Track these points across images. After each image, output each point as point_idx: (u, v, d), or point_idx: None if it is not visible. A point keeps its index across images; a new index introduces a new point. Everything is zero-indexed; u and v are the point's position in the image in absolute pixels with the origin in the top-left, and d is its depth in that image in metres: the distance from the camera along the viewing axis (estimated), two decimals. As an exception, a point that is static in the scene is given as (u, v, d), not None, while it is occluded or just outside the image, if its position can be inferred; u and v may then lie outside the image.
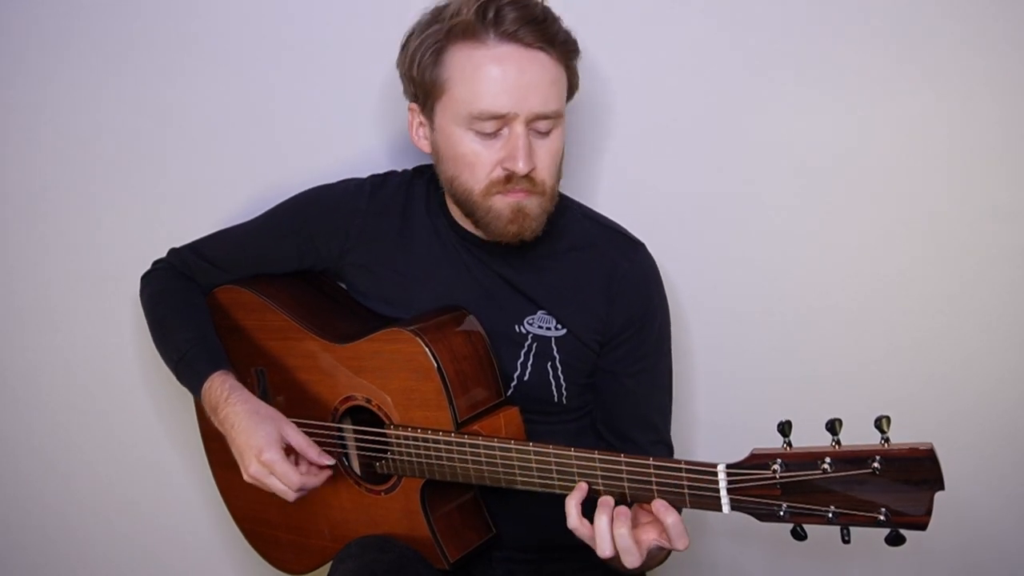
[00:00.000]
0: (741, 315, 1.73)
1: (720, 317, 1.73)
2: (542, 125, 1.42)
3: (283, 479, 1.46)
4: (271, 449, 1.46)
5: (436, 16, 1.44)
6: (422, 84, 1.46)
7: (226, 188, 1.79)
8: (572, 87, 1.49)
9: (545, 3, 1.44)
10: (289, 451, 1.49)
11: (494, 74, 1.38)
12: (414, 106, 1.51)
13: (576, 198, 1.63)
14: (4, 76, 1.80)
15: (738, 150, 1.67)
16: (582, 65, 1.64)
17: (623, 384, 1.55)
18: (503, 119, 1.40)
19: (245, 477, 1.49)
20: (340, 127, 1.77)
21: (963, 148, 1.60)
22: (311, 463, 1.51)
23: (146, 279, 1.72)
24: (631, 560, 1.26)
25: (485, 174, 1.43)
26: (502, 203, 1.44)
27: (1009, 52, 1.55)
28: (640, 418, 1.56)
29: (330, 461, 1.52)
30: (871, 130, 1.62)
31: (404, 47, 1.48)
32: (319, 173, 1.70)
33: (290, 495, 1.47)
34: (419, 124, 1.52)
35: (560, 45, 1.42)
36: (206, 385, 1.56)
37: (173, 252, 1.72)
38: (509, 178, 1.42)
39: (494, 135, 1.42)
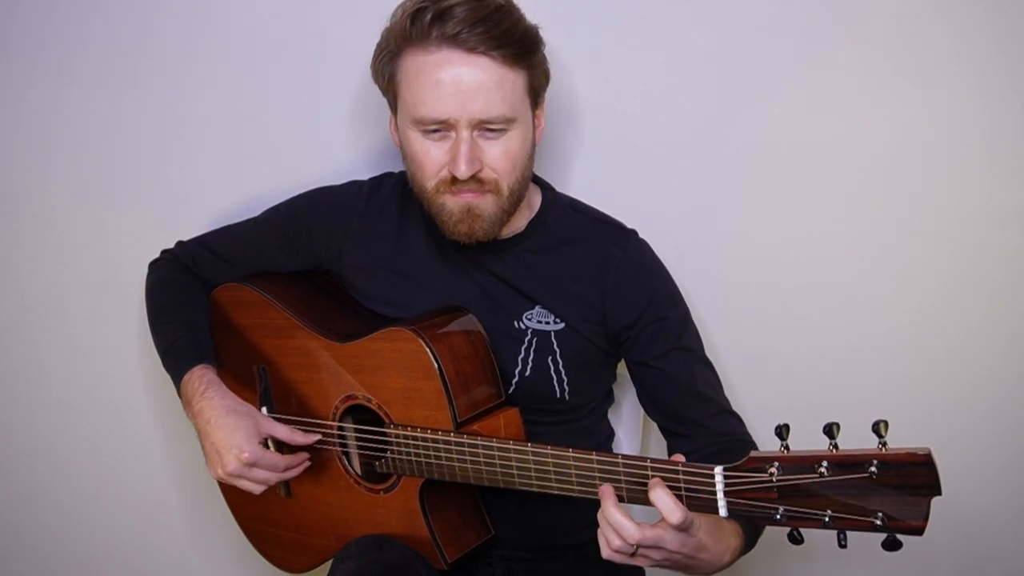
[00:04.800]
0: (739, 317, 1.73)
1: (718, 320, 1.72)
2: (491, 127, 1.40)
3: (272, 467, 1.50)
4: (251, 446, 1.48)
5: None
6: (383, 87, 1.47)
7: (231, 189, 1.80)
8: (535, 86, 1.45)
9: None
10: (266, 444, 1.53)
11: (434, 79, 1.37)
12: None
13: (577, 196, 1.63)
14: (9, 78, 1.80)
15: (738, 150, 1.67)
16: (582, 66, 1.65)
17: (660, 370, 1.53)
18: (446, 123, 1.39)
19: (219, 473, 1.50)
20: (342, 128, 1.77)
21: (962, 148, 1.59)
22: (298, 445, 1.54)
23: (152, 266, 1.75)
24: (629, 533, 1.21)
25: (434, 173, 1.43)
26: (452, 202, 1.44)
27: (1008, 52, 1.55)
28: (691, 396, 1.53)
29: (315, 437, 1.56)
30: (870, 130, 1.62)
31: (374, 52, 1.48)
32: (322, 173, 1.71)
33: (272, 479, 1.51)
34: (393, 124, 1.52)
35: (511, 45, 1.37)
36: (186, 377, 1.57)
37: (180, 244, 1.74)
38: (455, 179, 1.41)
39: (442, 136, 1.41)
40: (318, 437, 1.56)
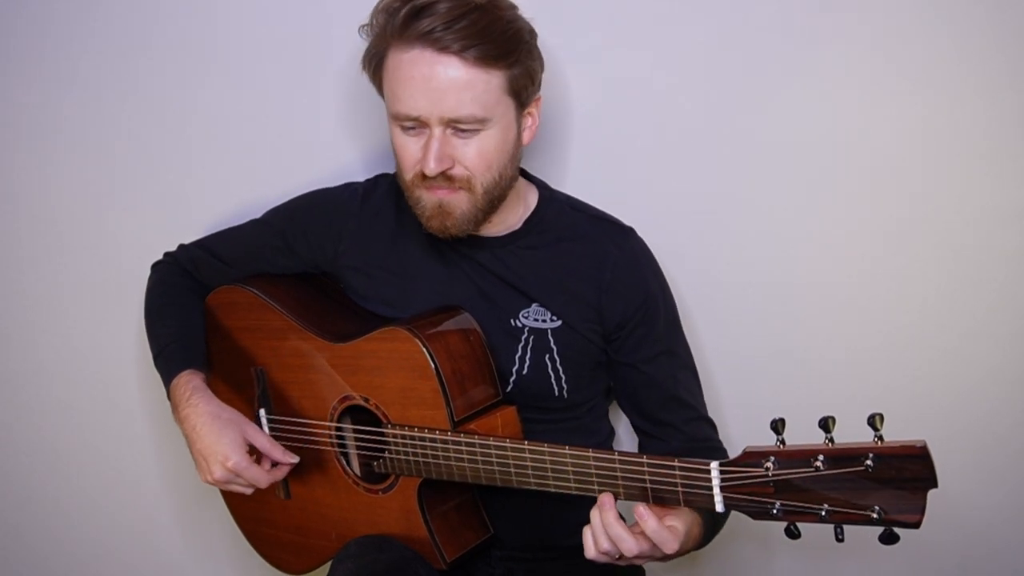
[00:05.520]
0: (738, 316, 1.72)
1: (717, 318, 1.71)
2: (463, 127, 1.40)
3: (253, 482, 1.52)
4: (236, 454, 1.50)
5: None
6: (370, 78, 1.48)
7: (232, 190, 1.81)
8: (516, 87, 1.42)
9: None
10: (252, 451, 1.54)
11: (406, 76, 1.38)
12: None
13: (574, 195, 1.62)
14: (10, 78, 1.82)
15: (738, 150, 1.67)
16: (581, 66, 1.65)
17: (644, 373, 1.53)
18: (418, 120, 1.40)
19: (206, 479, 1.52)
20: (343, 129, 1.78)
21: (962, 148, 1.59)
22: (277, 462, 1.56)
23: (154, 268, 1.76)
24: (627, 547, 1.25)
25: (410, 167, 1.44)
26: (427, 197, 1.45)
27: (1008, 52, 1.54)
28: (671, 400, 1.54)
29: (294, 459, 1.57)
30: (870, 130, 1.61)
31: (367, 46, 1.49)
32: (322, 174, 1.72)
33: (258, 485, 1.52)
34: None
35: (487, 45, 1.36)
36: (173, 382, 1.59)
37: (181, 247, 1.75)
38: (425, 175, 1.42)
39: (417, 132, 1.42)
40: (297, 459, 1.57)
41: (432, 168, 1.40)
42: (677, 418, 1.54)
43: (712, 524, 1.40)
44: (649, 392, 1.54)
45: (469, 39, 1.35)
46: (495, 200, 1.47)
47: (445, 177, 1.42)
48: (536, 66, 1.46)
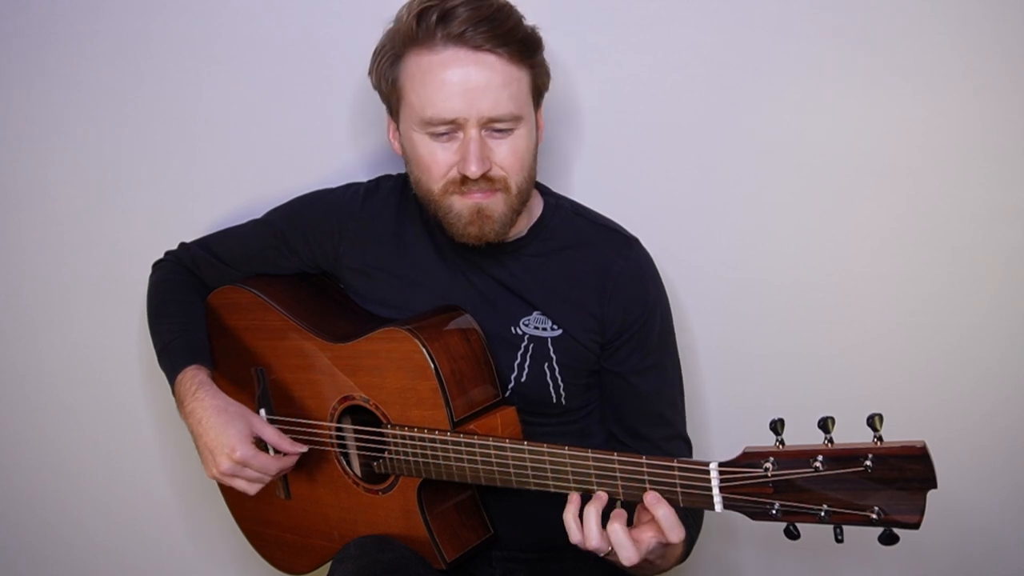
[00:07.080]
0: (738, 315, 1.73)
1: (716, 317, 1.72)
2: (499, 126, 1.40)
3: (263, 470, 1.49)
4: (243, 445, 1.48)
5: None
6: (384, 92, 1.47)
7: (233, 190, 1.81)
8: (538, 85, 1.46)
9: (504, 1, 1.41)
10: (258, 444, 1.53)
11: (441, 79, 1.37)
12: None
13: (576, 197, 1.63)
14: (12, 78, 1.82)
15: (737, 150, 1.67)
16: (582, 66, 1.65)
17: (631, 383, 1.53)
18: (454, 123, 1.39)
19: (213, 473, 1.51)
20: (345, 130, 1.78)
21: (962, 148, 1.59)
22: (285, 453, 1.54)
23: (155, 267, 1.76)
24: (627, 555, 1.25)
25: (441, 175, 1.43)
26: (461, 204, 1.44)
27: (1008, 52, 1.54)
28: (652, 415, 1.54)
29: (303, 449, 1.56)
30: (869, 129, 1.62)
31: (373, 56, 1.48)
32: (325, 173, 1.73)
33: (264, 480, 1.51)
34: (393, 129, 1.52)
35: (516, 43, 1.39)
36: (178, 378, 1.58)
37: (183, 246, 1.76)
38: (464, 180, 1.41)
39: (449, 137, 1.41)
40: (306, 449, 1.56)
41: (474, 170, 1.39)
42: (655, 434, 1.54)
43: (690, 544, 1.43)
44: (633, 403, 1.54)
45: (500, 37, 1.37)
46: (525, 201, 1.48)
47: (485, 179, 1.41)
48: (548, 68, 1.48)
